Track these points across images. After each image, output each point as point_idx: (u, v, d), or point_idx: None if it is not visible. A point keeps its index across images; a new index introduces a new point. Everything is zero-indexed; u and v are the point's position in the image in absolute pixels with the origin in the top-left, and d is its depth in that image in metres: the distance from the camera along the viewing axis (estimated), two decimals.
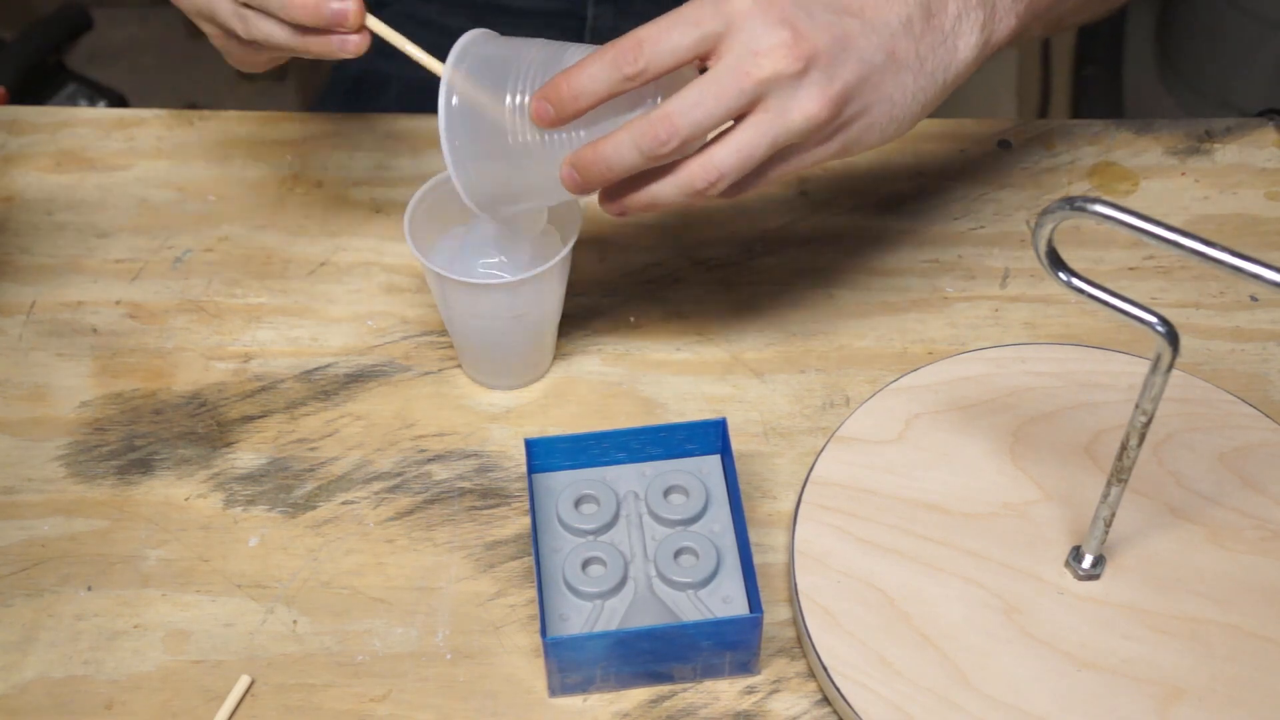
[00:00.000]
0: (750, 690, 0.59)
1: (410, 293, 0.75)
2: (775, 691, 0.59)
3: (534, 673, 0.60)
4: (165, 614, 0.62)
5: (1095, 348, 0.70)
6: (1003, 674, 0.57)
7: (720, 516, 0.64)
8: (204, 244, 0.78)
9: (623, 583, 0.61)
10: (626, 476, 0.65)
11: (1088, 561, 0.60)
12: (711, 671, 0.59)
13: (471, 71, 0.60)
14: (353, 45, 0.62)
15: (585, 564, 0.61)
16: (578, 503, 0.63)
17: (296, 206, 0.80)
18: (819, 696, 0.59)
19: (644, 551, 0.62)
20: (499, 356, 0.69)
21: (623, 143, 0.57)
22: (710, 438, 0.65)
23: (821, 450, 0.65)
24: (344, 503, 0.66)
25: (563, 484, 0.64)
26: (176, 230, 0.79)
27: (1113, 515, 0.58)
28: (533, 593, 0.63)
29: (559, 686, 0.59)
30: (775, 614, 0.62)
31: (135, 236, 0.79)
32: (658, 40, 0.56)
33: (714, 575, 0.61)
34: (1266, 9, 1.72)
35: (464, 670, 0.60)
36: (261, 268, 0.77)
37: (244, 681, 0.59)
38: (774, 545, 0.64)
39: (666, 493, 0.64)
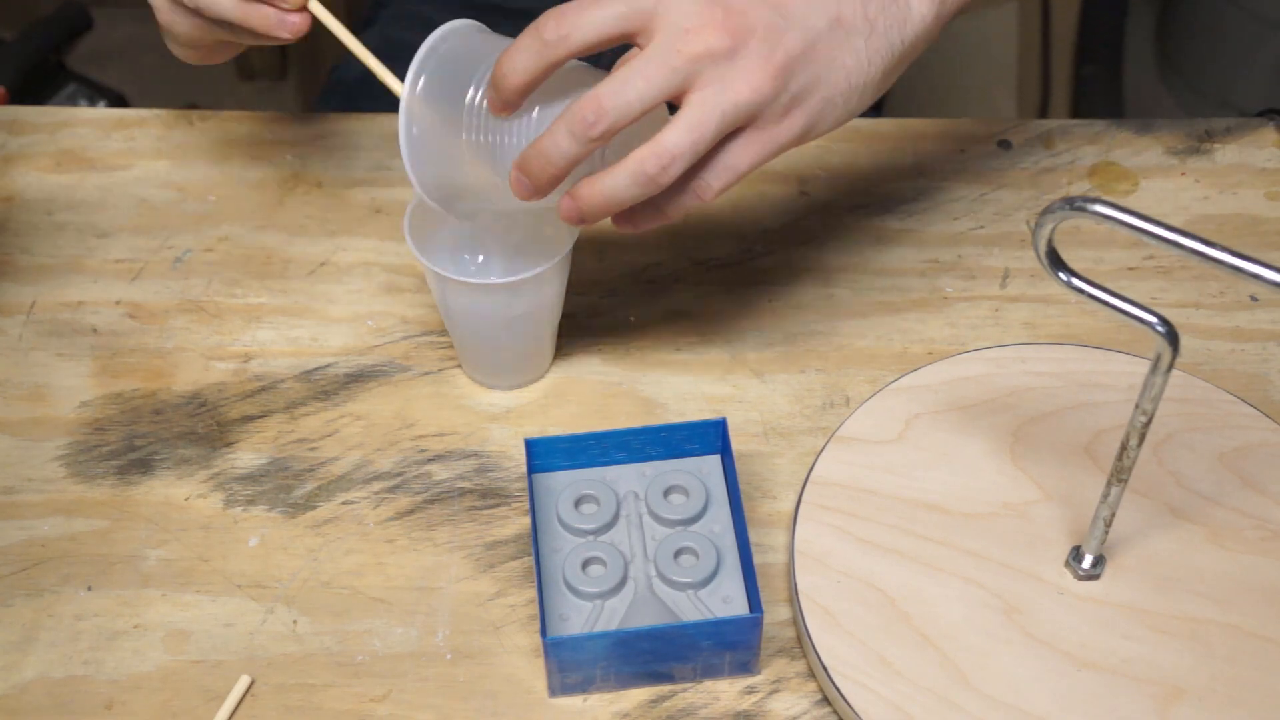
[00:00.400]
0: (750, 690, 0.59)
1: (410, 293, 0.75)
2: (775, 691, 0.59)
3: (534, 673, 0.60)
4: (165, 614, 0.62)
5: (1095, 348, 0.70)
6: (1003, 674, 0.57)
7: (720, 516, 0.64)
8: (204, 244, 0.78)
9: (623, 583, 0.61)
10: (626, 476, 0.65)
11: (1088, 561, 0.60)
12: (711, 671, 0.59)
13: (439, 65, 0.60)
14: (290, 25, 0.63)
15: (585, 564, 0.61)
16: (578, 503, 0.63)
17: (296, 206, 0.80)
18: (819, 696, 0.59)
19: (644, 551, 0.62)
20: (499, 356, 0.69)
21: (557, 131, 0.56)
22: (710, 438, 0.65)
23: (821, 450, 0.65)
24: (344, 503, 0.66)
25: (563, 484, 0.64)
26: (176, 230, 0.79)
27: (1113, 515, 0.58)
28: (533, 593, 0.63)
29: (559, 686, 0.59)
30: (775, 614, 0.62)
31: (135, 236, 0.79)
32: (581, 11, 0.55)
33: (714, 575, 0.61)
34: (1266, 9, 1.73)
35: (464, 670, 0.60)
36: (261, 268, 0.77)
37: (244, 681, 0.59)
38: (774, 545, 0.64)
39: (666, 493, 0.64)
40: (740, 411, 0.70)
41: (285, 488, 0.67)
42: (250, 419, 0.70)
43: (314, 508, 0.66)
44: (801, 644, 0.60)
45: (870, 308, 0.74)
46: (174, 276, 0.77)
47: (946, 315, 0.74)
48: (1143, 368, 0.56)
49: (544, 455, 0.64)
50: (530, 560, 0.64)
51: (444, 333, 0.73)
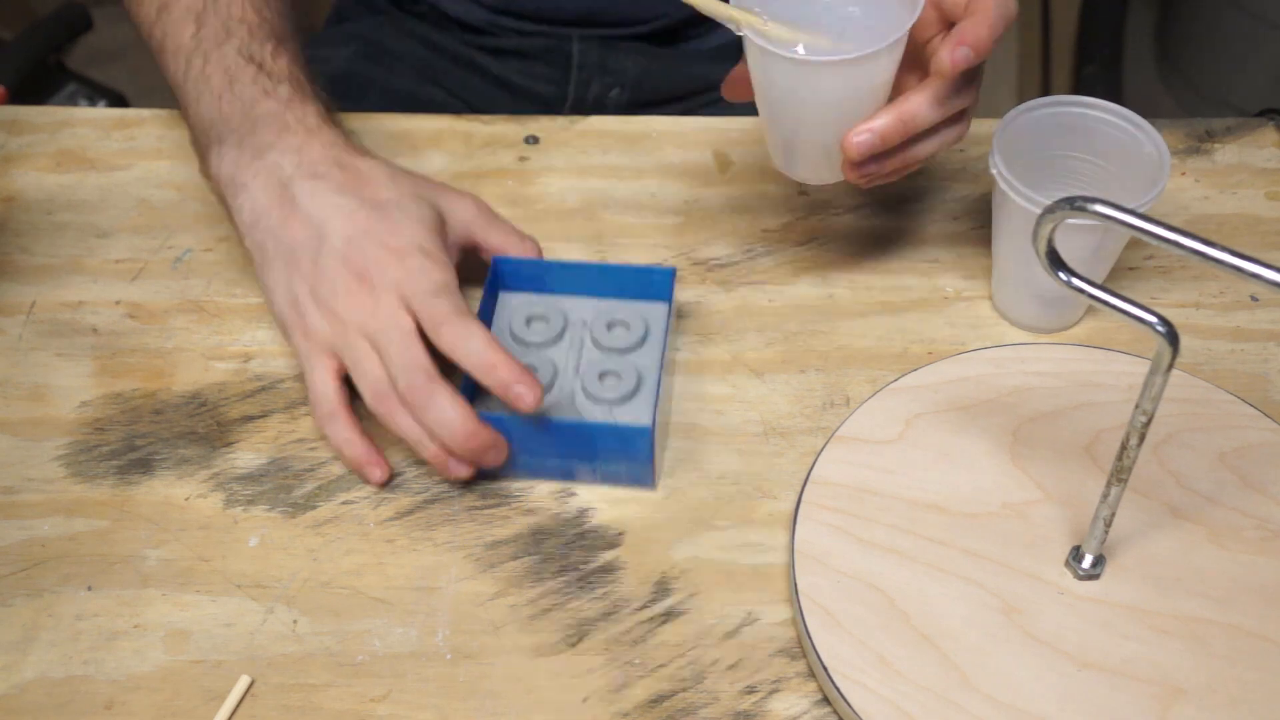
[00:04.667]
0: (750, 690, 0.59)
1: None
2: (775, 691, 0.59)
3: (534, 672, 0.60)
4: (165, 614, 0.62)
5: (1095, 348, 0.70)
6: (1003, 674, 0.57)
7: (651, 354, 0.70)
8: (204, 244, 0.78)
9: (549, 388, 0.67)
10: (580, 307, 0.71)
11: (1088, 561, 0.60)
12: (611, 478, 0.66)
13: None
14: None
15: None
16: (529, 320, 0.70)
17: None
18: (819, 696, 0.59)
19: (575, 369, 0.69)
20: (827, 151, 0.67)
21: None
22: (661, 286, 0.71)
23: (821, 450, 0.65)
24: (344, 503, 0.66)
25: (521, 303, 0.71)
26: (176, 230, 0.79)
27: (1113, 515, 0.58)
28: (533, 593, 0.63)
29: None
30: (775, 614, 0.62)
31: (135, 236, 0.79)
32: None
33: (630, 398, 0.67)
34: (1266, 9, 1.73)
35: (464, 670, 0.60)
36: None
37: (244, 681, 0.59)
38: (774, 545, 0.64)
39: (610, 325, 0.70)
40: (740, 411, 0.70)
41: (285, 488, 0.67)
42: (250, 419, 0.70)
43: (314, 508, 0.66)
44: (801, 644, 0.60)
45: (870, 308, 0.74)
46: (174, 276, 0.77)
47: (946, 315, 0.74)
48: (1143, 368, 0.56)
49: (510, 275, 0.71)
50: (530, 560, 0.64)
51: None
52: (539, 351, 0.69)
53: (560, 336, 0.70)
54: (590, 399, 0.67)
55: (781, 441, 0.68)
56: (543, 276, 0.71)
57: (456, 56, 1.04)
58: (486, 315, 0.69)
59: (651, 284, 0.71)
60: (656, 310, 0.71)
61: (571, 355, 0.69)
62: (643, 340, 0.70)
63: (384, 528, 0.65)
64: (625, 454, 0.64)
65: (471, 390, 0.66)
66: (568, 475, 0.66)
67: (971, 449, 0.65)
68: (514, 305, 0.71)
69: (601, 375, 0.68)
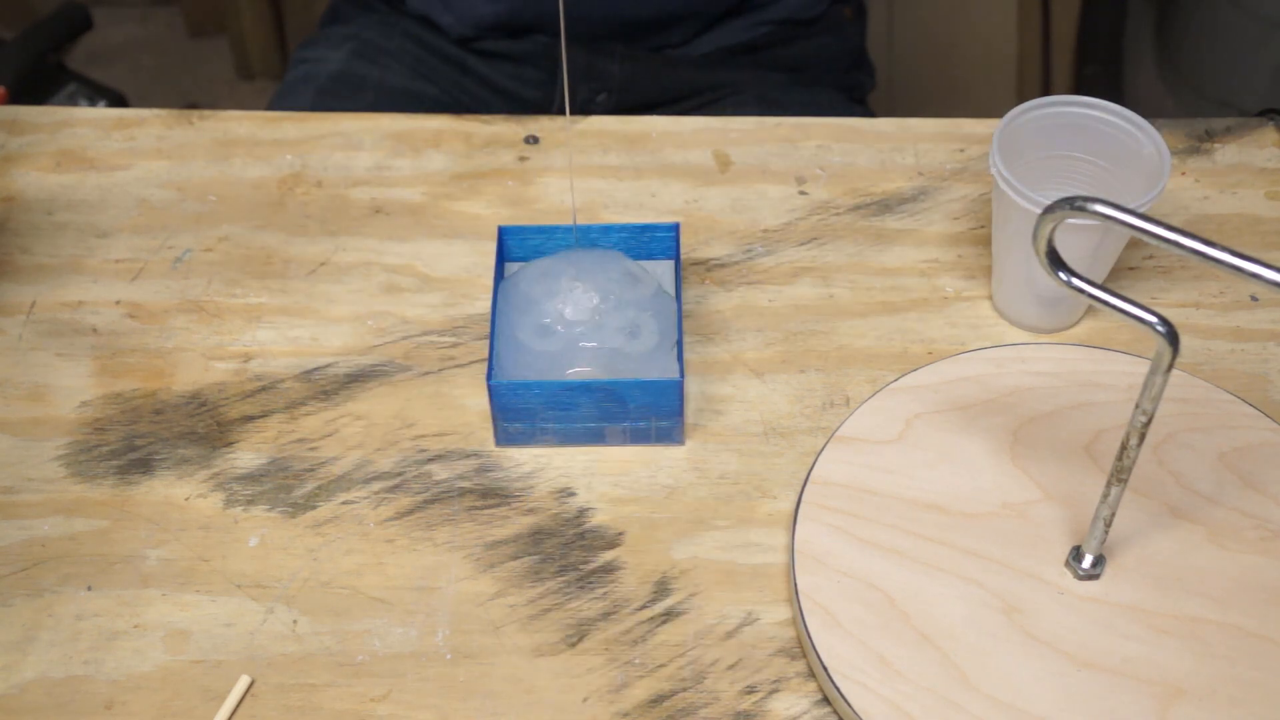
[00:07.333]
0: (750, 690, 0.59)
1: (410, 293, 0.75)
2: (775, 691, 0.59)
3: (534, 672, 0.60)
4: (165, 614, 0.62)
5: (1095, 348, 0.70)
6: (1003, 674, 0.57)
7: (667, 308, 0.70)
8: (204, 244, 0.78)
9: (569, 351, 0.67)
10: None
11: (1088, 561, 0.60)
12: (640, 437, 0.67)
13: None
14: None
15: (539, 333, 0.67)
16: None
17: (296, 206, 0.80)
18: (819, 696, 0.59)
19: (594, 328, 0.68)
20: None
21: None
22: (666, 243, 0.72)
23: (821, 450, 0.65)
24: (344, 503, 0.66)
25: (530, 269, 0.70)
26: (176, 230, 0.79)
27: (1113, 515, 0.58)
28: (533, 593, 0.63)
29: (504, 436, 0.66)
30: (775, 614, 0.62)
31: (135, 236, 0.79)
32: None
33: (652, 353, 0.67)
34: (1266, 9, 1.72)
35: (464, 670, 0.60)
36: (261, 268, 0.77)
37: (244, 681, 0.59)
38: (774, 545, 0.64)
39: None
40: (740, 411, 0.70)
41: (285, 488, 0.67)
42: (250, 419, 0.70)
43: (314, 508, 0.66)
44: (801, 644, 0.60)
45: (870, 308, 0.74)
46: (174, 276, 0.77)
47: (946, 315, 0.74)
48: (1143, 368, 0.56)
49: (515, 245, 0.71)
50: (530, 560, 0.64)
51: (444, 332, 0.73)
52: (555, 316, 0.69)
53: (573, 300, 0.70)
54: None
55: (781, 441, 0.68)
56: (547, 243, 0.72)
57: (448, 57, 1.05)
58: (497, 287, 0.69)
59: (656, 241, 0.72)
60: (664, 267, 0.72)
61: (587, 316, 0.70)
62: (654, 295, 0.70)
63: (384, 528, 0.65)
64: (655, 409, 0.65)
65: (496, 361, 0.67)
66: (597, 438, 0.67)
67: (971, 449, 0.65)
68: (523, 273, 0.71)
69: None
